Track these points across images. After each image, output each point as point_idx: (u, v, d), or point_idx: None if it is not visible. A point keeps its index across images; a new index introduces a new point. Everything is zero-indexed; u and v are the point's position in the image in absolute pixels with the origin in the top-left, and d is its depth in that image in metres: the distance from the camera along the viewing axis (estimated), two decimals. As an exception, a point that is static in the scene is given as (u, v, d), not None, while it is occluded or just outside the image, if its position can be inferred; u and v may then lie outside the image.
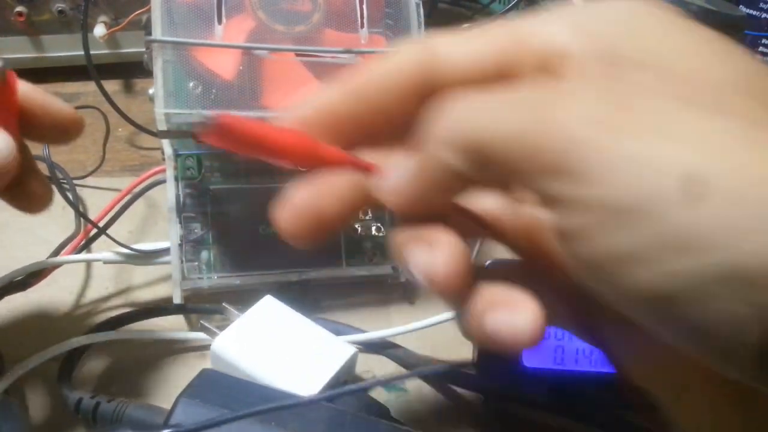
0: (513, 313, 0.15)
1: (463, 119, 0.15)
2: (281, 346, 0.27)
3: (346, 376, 0.28)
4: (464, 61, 0.17)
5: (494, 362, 0.28)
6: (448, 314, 0.30)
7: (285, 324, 0.28)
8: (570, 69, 0.16)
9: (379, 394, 0.29)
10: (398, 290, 0.34)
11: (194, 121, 0.21)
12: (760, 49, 0.62)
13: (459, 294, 0.16)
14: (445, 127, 0.15)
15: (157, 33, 0.28)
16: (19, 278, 0.31)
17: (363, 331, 0.31)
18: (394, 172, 0.16)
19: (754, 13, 0.60)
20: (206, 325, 0.29)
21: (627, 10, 0.16)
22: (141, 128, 0.41)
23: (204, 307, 0.31)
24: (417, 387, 0.30)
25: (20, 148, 0.22)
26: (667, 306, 0.12)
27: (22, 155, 0.22)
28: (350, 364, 0.28)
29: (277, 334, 0.28)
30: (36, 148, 0.40)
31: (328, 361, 0.27)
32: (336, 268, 0.33)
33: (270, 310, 0.29)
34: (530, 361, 0.28)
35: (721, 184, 0.12)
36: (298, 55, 0.29)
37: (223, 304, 0.30)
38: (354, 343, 0.30)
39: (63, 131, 0.24)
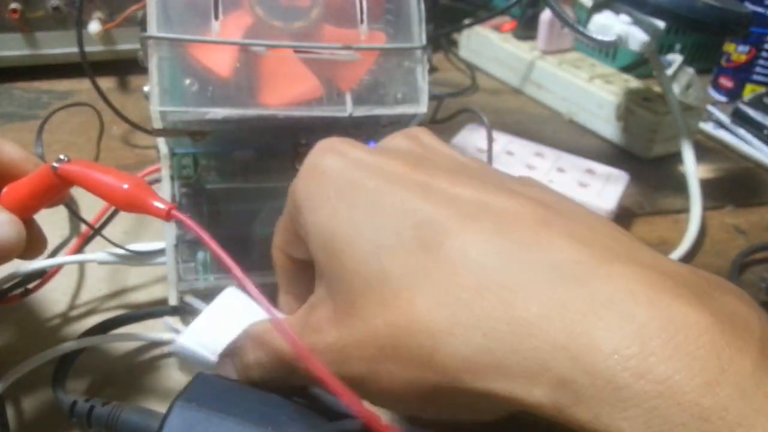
0: None
1: None
2: None
3: None
4: None
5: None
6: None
7: (250, 316, 0.27)
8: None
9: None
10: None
11: (52, 162, 0.23)
12: (766, 46, 0.61)
13: None
14: None
15: (153, 29, 0.27)
16: (18, 280, 0.30)
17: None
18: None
19: (760, 10, 0.60)
20: (172, 324, 0.28)
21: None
22: (136, 126, 0.40)
23: (201, 309, 0.31)
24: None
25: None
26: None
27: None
28: None
29: (243, 325, 0.26)
30: (29, 147, 0.40)
31: None
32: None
33: (233, 301, 0.28)
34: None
35: None
36: (296, 51, 0.28)
37: (184, 299, 0.29)
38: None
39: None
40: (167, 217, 0.21)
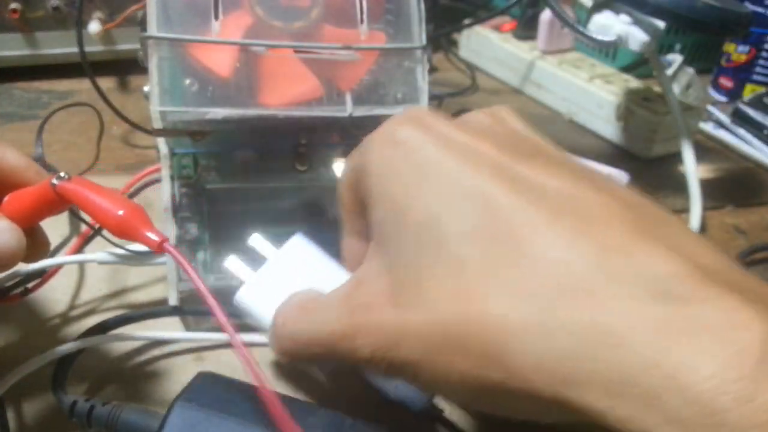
0: None
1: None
2: None
3: None
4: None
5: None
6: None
7: (315, 269, 0.25)
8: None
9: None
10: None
11: (52, 178, 0.23)
12: (766, 46, 0.61)
13: None
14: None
15: (153, 29, 0.27)
16: (17, 280, 0.30)
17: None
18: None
19: (760, 9, 0.60)
20: (232, 268, 0.26)
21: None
22: (136, 126, 0.41)
23: (200, 308, 0.31)
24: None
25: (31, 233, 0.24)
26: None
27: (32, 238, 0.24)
28: None
29: (307, 281, 0.24)
30: (29, 147, 0.40)
31: None
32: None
33: (299, 252, 0.26)
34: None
35: None
36: (296, 51, 0.28)
37: (251, 239, 0.27)
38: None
39: None
40: (159, 249, 0.21)
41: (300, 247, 0.26)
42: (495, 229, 0.17)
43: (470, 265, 0.17)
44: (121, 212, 0.21)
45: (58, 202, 0.23)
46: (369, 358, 0.18)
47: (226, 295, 0.31)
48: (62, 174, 0.23)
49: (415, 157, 0.19)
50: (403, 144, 0.20)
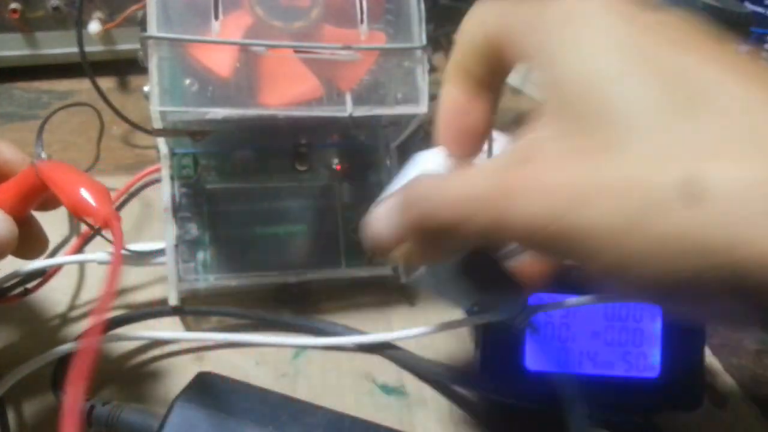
0: None
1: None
2: None
3: None
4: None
5: (496, 365, 0.28)
6: (449, 319, 0.30)
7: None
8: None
9: (378, 398, 0.29)
10: (398, 292, 0.34)
11: (35, 159, 0.23)
12: (766, 46, 0.61)
13: None
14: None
15: (153, 29, 0.27)
16: (17, 280, 0.30)
17: (363, 333, 0.30)
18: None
19: (760, 9, 0.60)
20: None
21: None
22: (136, 126, 0.41)
23: (200, 309, 0.31)
24: (417, 390, 0.30)
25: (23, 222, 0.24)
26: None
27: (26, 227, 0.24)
28: None
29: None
30: (29, 147, 0.40)
31: None
32: (335, 269, 0.32)
33: (422, 164, 0.22)
34: (533, 364, 0.27)
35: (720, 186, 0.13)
36: (296, 51, 0.28)
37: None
38: (354, 345, 0.29)
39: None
40: (102, 222, 0.21)
41: (425, 157, 0.22)
42: (704, 101, 0.15)
43: (700, 130, 0.15)
44: (82, 189, 0.22)
45: (38, 187, 0.23)
46: (529, 226, 0.15)
47: (226, 294, 0.31)
48: (43, 155, 0.23)
49: (604, 29, 0.17)
50: (591, 17, 0.18)
